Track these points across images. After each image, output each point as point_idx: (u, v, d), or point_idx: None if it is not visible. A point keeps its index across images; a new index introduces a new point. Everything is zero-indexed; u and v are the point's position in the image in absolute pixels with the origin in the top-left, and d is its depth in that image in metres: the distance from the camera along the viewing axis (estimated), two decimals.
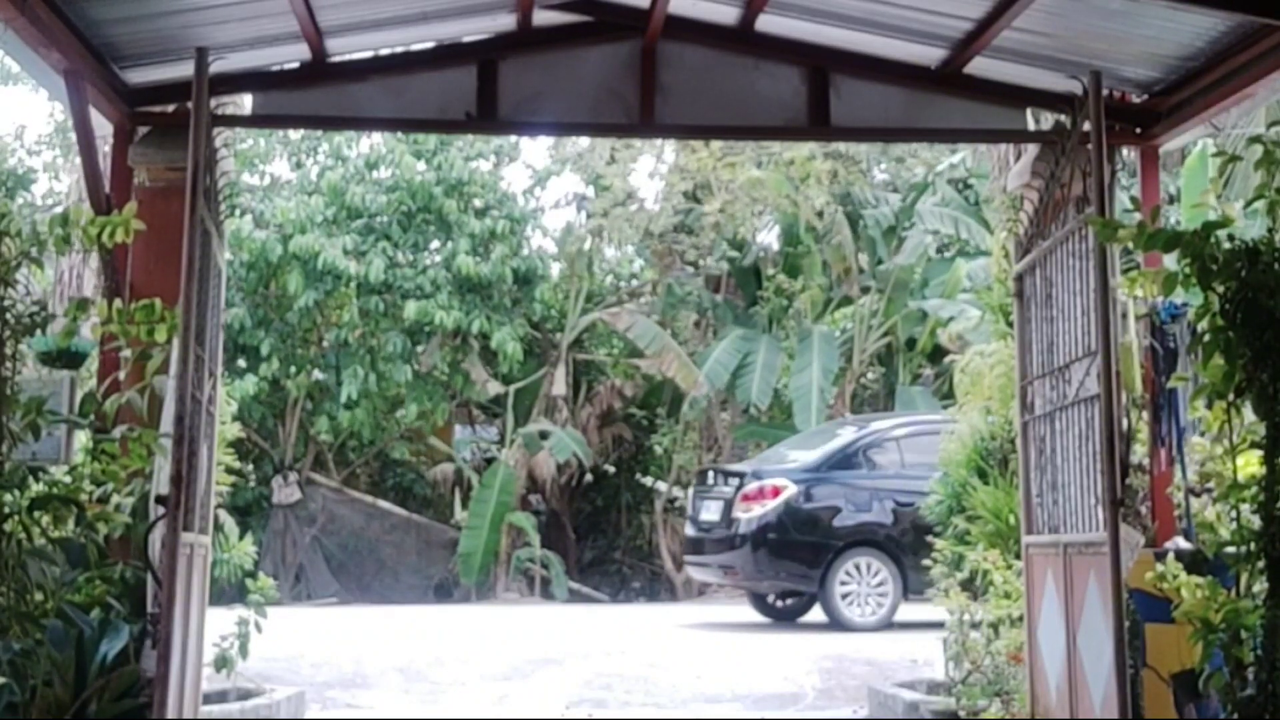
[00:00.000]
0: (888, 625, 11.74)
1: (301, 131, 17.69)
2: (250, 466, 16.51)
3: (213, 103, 5.96)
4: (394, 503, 17.83)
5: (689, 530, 13.14)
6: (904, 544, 11.84)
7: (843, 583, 11.83)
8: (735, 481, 12.46)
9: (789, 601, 12.82)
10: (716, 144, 17.45)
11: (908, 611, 11.86)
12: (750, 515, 12.03)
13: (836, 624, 11.76)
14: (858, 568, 11.91)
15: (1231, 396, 4.60)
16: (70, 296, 10.00)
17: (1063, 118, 6.46)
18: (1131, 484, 6.71)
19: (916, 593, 11.72)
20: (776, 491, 12.06)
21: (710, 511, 12.56)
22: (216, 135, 6.15)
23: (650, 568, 18.92)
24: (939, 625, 7.73)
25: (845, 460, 12.54)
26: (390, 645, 10.65)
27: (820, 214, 18.15)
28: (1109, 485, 5.36)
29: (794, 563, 12.05)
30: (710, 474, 13.50)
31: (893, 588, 11.91)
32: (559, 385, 18.62)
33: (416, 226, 17.58)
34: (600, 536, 19.54)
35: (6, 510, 4.82)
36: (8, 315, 5.04)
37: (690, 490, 13.85)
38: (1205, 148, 9.12)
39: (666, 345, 18.25)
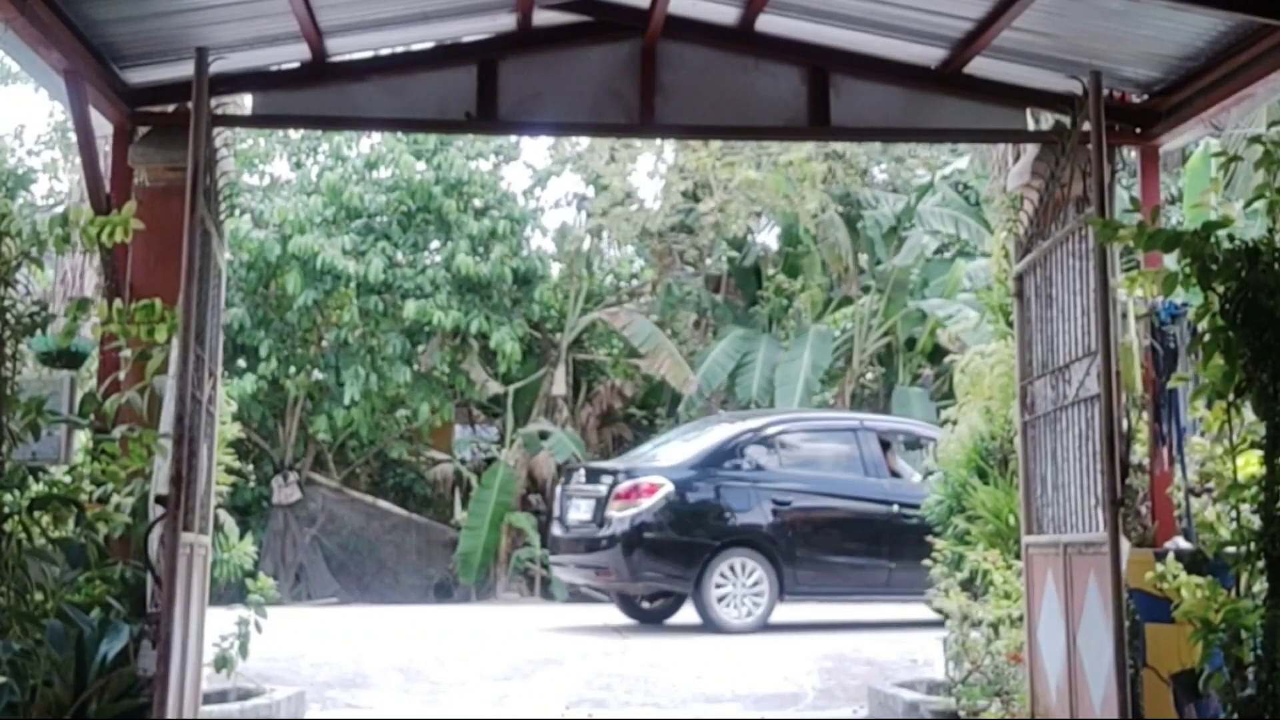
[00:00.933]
0: (763, 627, 11.50)
1: (301, 131, 17.69)
2: (250, 466, 16.51)
3: (213, 103, 5.96)
4: (394, 503, 17.83)
5: (555, 530, 12.67)
6: (782, 544, 11.68)
7: (718, 584, 11.55)
8: (608, 480, 12.02)
9: (657, 603, 12.46)
10: (716, 144, 17.46)
11: (900, 612, 11.84)
12: (624, 514, 11.64)
13: (710, 626, 11.47)
14: (733, 569, 11.63)
15: (1231, 396, 4.60)
16: (70, 296, 10.02)
17: (1063, 118, 6.46)
18: (1131, 484, 6.71)
19: (793, 594, 11.73)
20: (652, 490, 11.69)
21: (580, 511, 12.12)
22: (216, 135, 6.15)
23: None
24: (926, 625, 7.71)
25: (723, 458, 12.16)
26: (390, 645, 10.65)
27: (815, 216, 18.14)
28: (1109, 485, 5.36)
29: (669, 563, 11.73)
30: (580, 472, 12.98)
31: (769, 589, 11.64)
32: (559, 385, 18.63)
33: (416, 226, 17.58)
34: None
35: (6, 510, 4.82)
36: (8, 315, 5.04)
37: (558, 489, 13.33)
38: (1207, 147, 9.11)
39: (660, 344, 18.27)
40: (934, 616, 8.27)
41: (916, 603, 12.35)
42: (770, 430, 12.62)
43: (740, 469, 12.09)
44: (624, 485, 11.79)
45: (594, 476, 12.41)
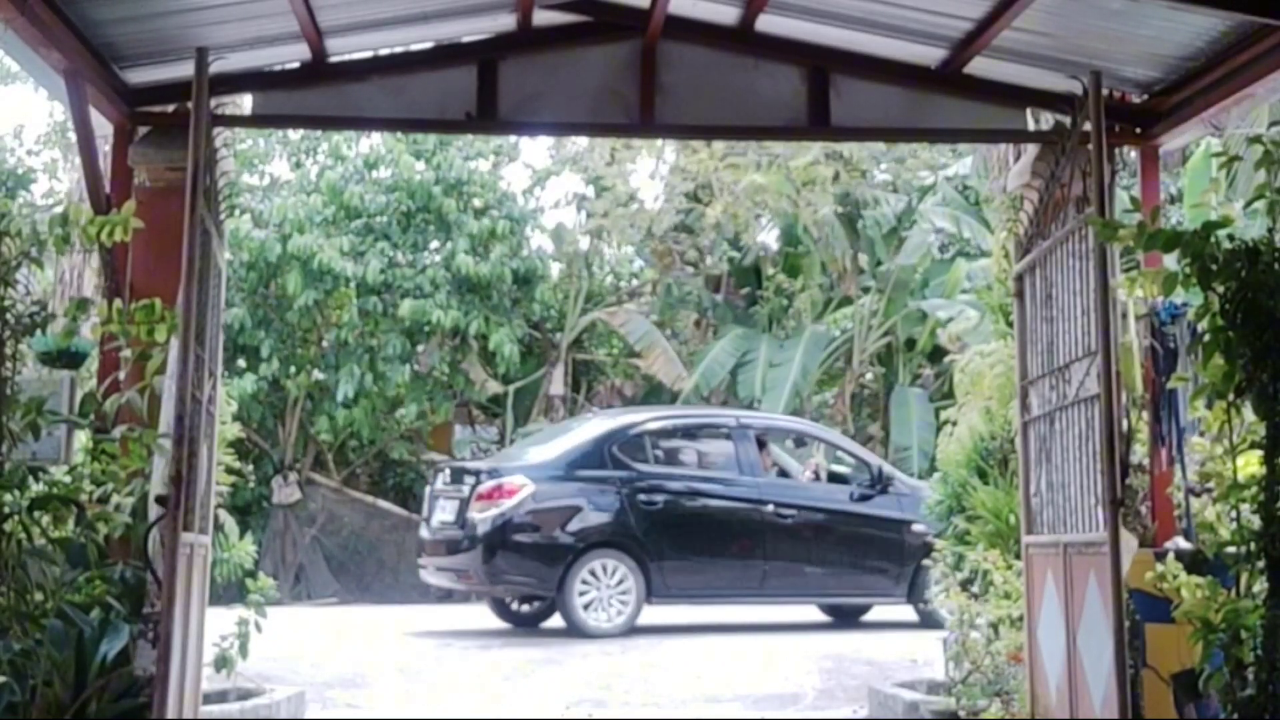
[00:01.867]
0: (630, 630, 11.21)
1: (301, 131, 17.70)
2: (250, 466, 16.50)
3: (213, 103, 5.95)
4: (394, 503, 17.82)
5: (423, 532, 12.26)
6: (649, 546, 11.39)
7: (582, 587, 11.19)
8: (471, 480, 11.58)
9: (532, 606, 12.11)
10: (718, 146, 17.47)
11: (886, 613, 11.87)
12: (485, 516, 11.19)
13: (575, 630, 11.15)
14: (597, 571, 11.27)
15: (1231, 396, 4.60)
16: (70, 296, 9.99)
17: (1063, 118, 6.46)
18: (1131, 484, 6.71)
19: (661, 596, 11.47)
20: (513, 491, 11.25)
21: (445, 512, 11.72)
22: (216, 135, 6.15)
23: None
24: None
25: (589, 457, 11.72)
26: (390, 645, 10.65)
27: (817, 217, 18.15)
28: (1109, 485, 5.35)
29: (530, 566, 11.30)
30: (446, 471, 12.52)
31: (635, 592, 11.30)
32: (558, 385, 18.64)
33: (416, 226, 17.58)
34: None
35: (6, 510, 4.83)
36: (8, 315, 5.04)
37: (427, 489, 12.90)
38: (1208, 147, 9.12)
39: (654, 342, 18.29)
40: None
41: (792, 605, 12.27)
42: (641, 429, 12.25)
43: (607, 468, 11.65)
44: (486, 485, 11.35)
45: (458, 476, 11.95)
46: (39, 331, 5.24)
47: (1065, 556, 6.02)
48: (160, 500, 5.42)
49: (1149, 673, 5.71)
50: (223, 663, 7.10)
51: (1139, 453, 6.82)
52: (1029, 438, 6.77)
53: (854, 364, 18.92)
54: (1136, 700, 5.49)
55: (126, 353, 5.89)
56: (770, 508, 11.81)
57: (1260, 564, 4.48)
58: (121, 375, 6.25)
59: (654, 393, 19.67)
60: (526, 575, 11.38)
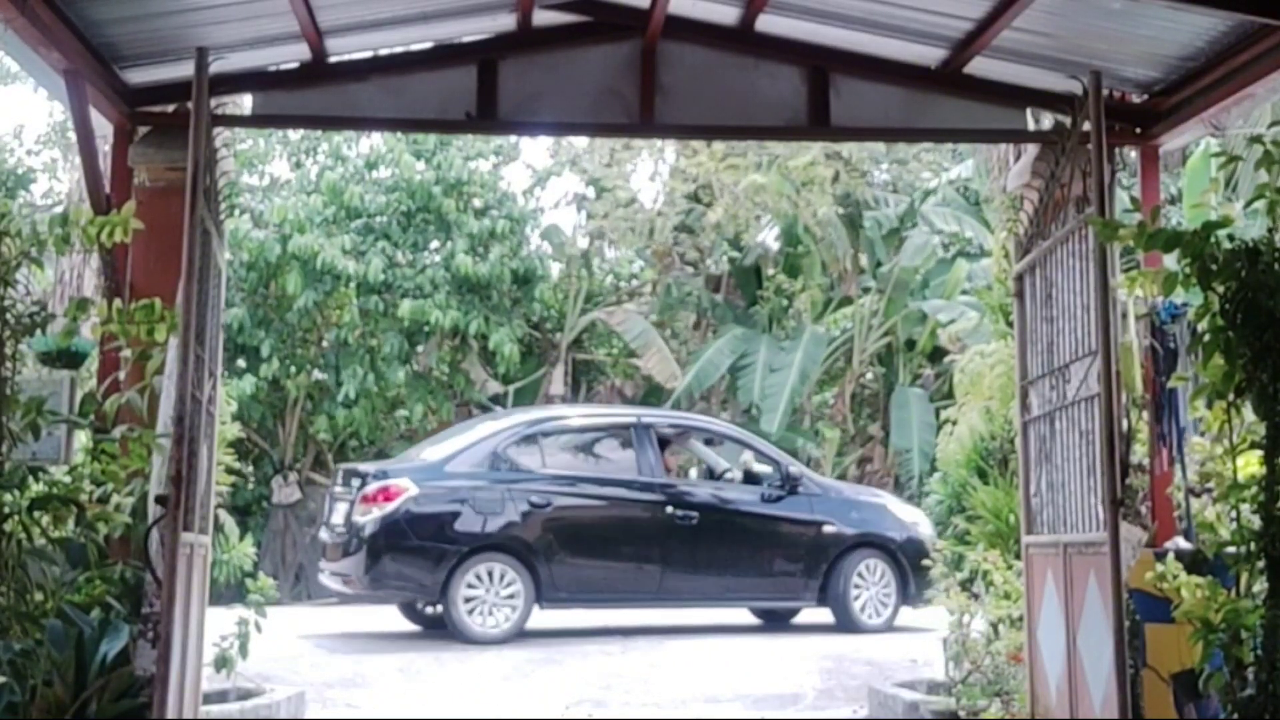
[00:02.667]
0: (518, 634, 10.84)
1: (301, 131, 17.70)
2: (250, 466, 16.51)
3: (213, 103, 5.95)
4: None
5: (321, 534, 11.82)
6: (539, 548, 11.02)
7: (468, 592, 10.80)
8: (358, 481, 11.22)
9: (435, 608, 11.51)
10: (717, 146, 17.47)
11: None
12: (368, 519, 10.82)
13: (460, 635, 10.72)
14: (483, 576, 10.84)
15: (1231, 396, 4.60)
16: (70, 296, 10.00)
17: (1063, 118, 6.46)
18: (1131, 484, 6.71)
19: (552, 601, 11.06)
20: (395, 493, 10.87)
21: (338, 514, 11.31)
22: (216, 135, 6.15)
23: None
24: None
25: (478, 459, 11.36)
26: (390, 645, 10.65)
27: (817, 216, 18.16)
28: (1109, 485, 5.35)
29: (412, 571, 10.86)
30: (340, 473, 12.13)
31: (524, 596, 10.91)
32: (558, 385, 18.65)
33: (416, 226, 17.58)
34: None
35: (6, 510, 4.83)
36: (8, 315, 5.04)
37: (327, 491, 12.59)
38: (1208, 147, 9.12)
39: (650, 341, 18.29)
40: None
41: (690, 609, 11.82)
42: (534, 428, 11.89)
43: (497, 469, 11.30)
44: (370, 488, 11.02)
45: (349, 478, 11.55)
46: (39, 331, 5.24)
47: (1065, 556, 6.02)
48: (160, 500, 5.42)
49: (1149, 673, 5.71)
50: (223, 663, 7.10)
51: (1139, 453, 6.82)
52: (1029, 438, 6.77)
53: (854, 364, 18.92)
54: (1136, 700, 5.49)
55: (126, 353, 5.90)
56: (670, 509, 11.43)
57: (1260, 564, 4.48)
58: (121, 375, 6.25)
59: (653, 392, 19.67)
60: (408, 580, 10.99)
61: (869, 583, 11.67)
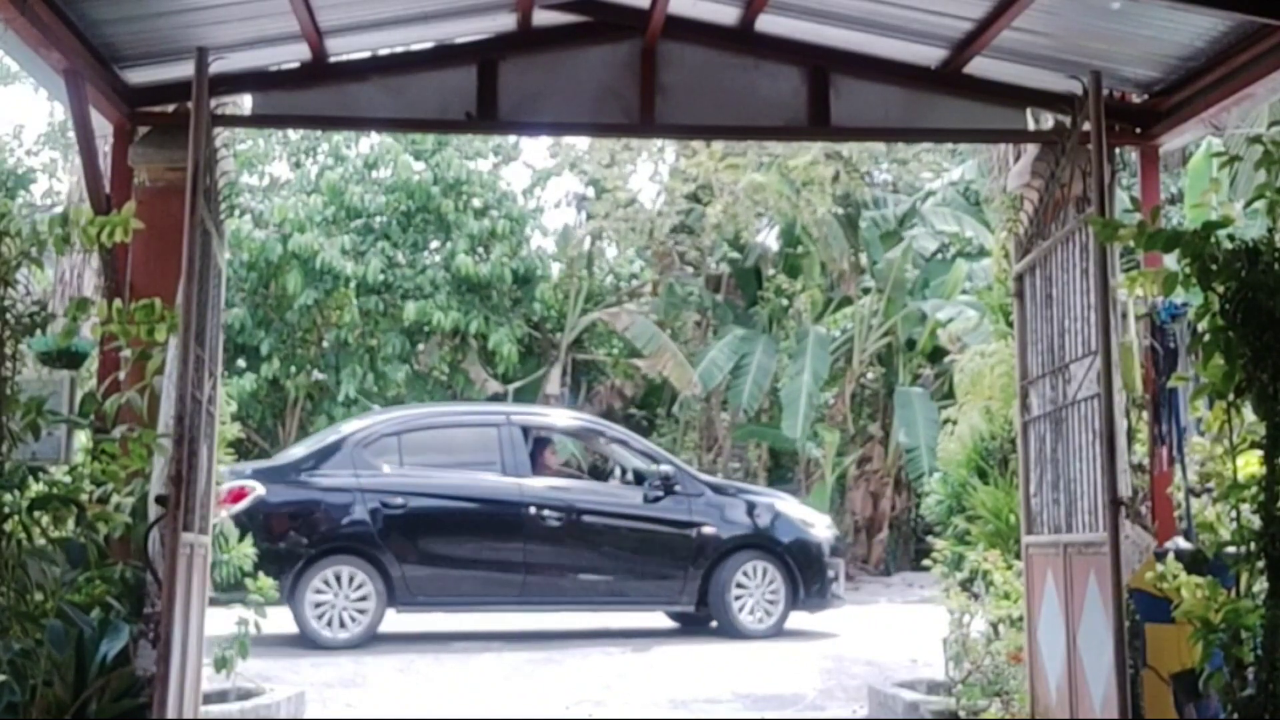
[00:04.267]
0: (370, 639, 10.60)
1: (301, 131, 17.71)
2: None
3: (213, 103, 5.96)
4: None
5: None
6: (392, 550, 10.76)
7: (316, 595, 10.51)
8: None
9: None
10: (717, 146, 17.47)
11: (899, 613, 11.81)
12: (218, 520, 10.74)
13: (307, 640, 10.43)
14: (330, 579, 10.55)
15: (1231, 396, 4.60)
16: (70, 296, 9.99)
17: (1063, 118, 6.47)
18: (1132, 484, 6.70)
19: (407, 604, 10.86)
20: (242, 494, 10.48)
21: None
22: (216, 135, 6.15)
23: None
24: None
25: (331, 459, 11.08)
26: (390, 645, 10.65)
27: (816, 215, 18.15)
28: (1109, 485, 5.36)
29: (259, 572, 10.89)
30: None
31: (375, 599, 10.65)
32: (557, 385, 18.65)
33: (415, 226, 17.59)
34: None
35: (6, 510, 4.82)
36: (8, 315, 5.04)
37: None
38: (1209, 147, 9.12)
39: (663, 345, 18.25)
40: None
41: (555, 613, 11.50)
42: (394, 427, 11.62)
43: (350, 469, 11.00)
44: (224, 489, 10.51)
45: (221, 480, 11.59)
46: (39, 331, 5.23)
47: (1065, 556, 6.02)
48: (160, 500, 5.43)
49: (1149, 673, 5.71)
50: (223, 663, 7.10)
51: (1139, 453, 6.82)
52: (1029, 438, 6.77)
53: (854, 364, 18.93)
54: (1136, 700, 5.49)
55: (126, 353, 5.89)
56: (532, 510, 11.13)
57: (1260, 564, 4.48)
58: (121, 375, 6.24)
59: (653, 393, 19.68)
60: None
61: (753, 586, 11.37)
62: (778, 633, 11.30)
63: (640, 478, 11.87)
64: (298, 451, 11.72)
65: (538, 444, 12.01)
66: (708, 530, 11.40)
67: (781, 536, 11.56)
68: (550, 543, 11.15)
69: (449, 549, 11.07)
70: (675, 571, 11.36)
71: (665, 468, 11.73)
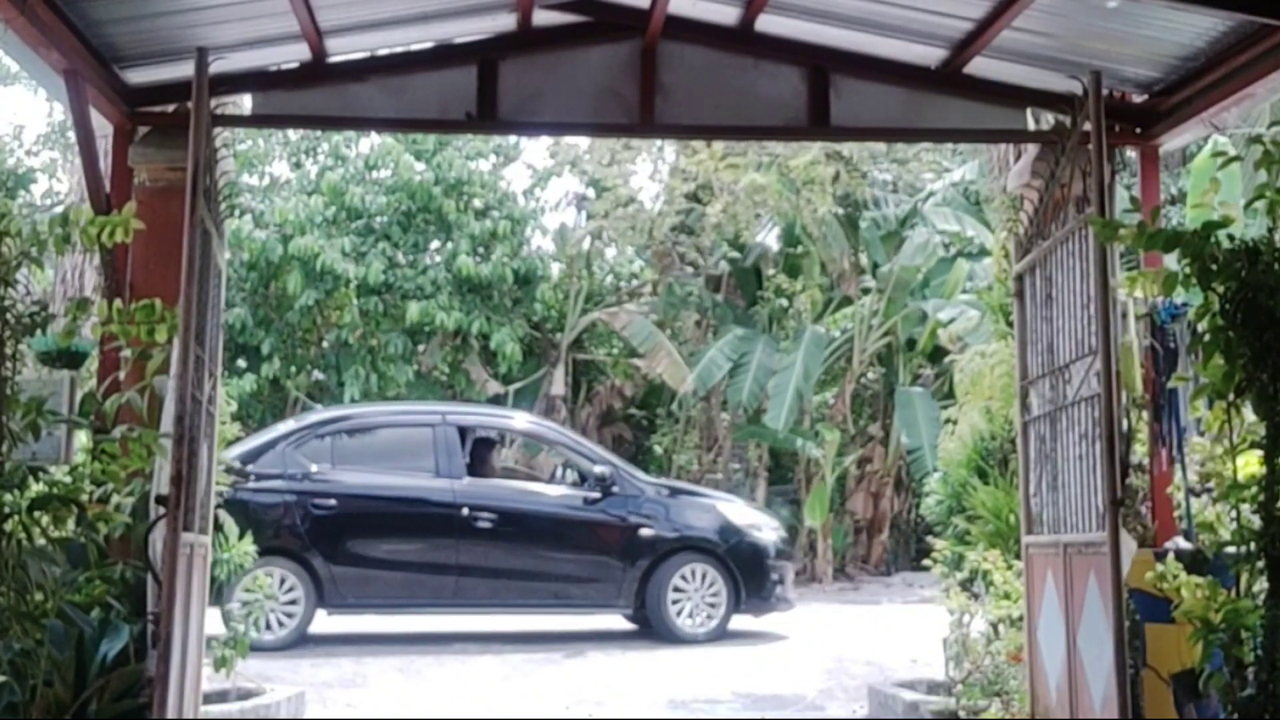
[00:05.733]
0: (300, 641, 10.47)
1: (301, 131, 17.71)
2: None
3: (213, 103, 5.96)
4: None
5: None
6: (322, 551, 10.62)
7: (244, 595, 10.02)
8: None
9: None
10: (717, 146, 17.47)
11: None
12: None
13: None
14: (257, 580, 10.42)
15: (1231, 396, 4.60)
16: (70, 296, 10.01)
17: (1063, 118, 6.47)
18: (1132, 484, 6.71)
19: (336, 605, 10.72)
20: None
21: None
22: (216, 135, 6.15)
23: None
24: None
25: (261, 459, 10.92)
26: (390, 645, 10.65)
27: (816, 214, 18.14)
28: (1109, 485, 5.35)
29: None
30: None
31: (304, 600, 10.54)
32: (558, 385, 18.65)
33: (416, 227, 17.60)
34: None
35: (6, 510, 4.82)
36: (8, 315, 5.04)
37: None
38: (1214, 147, 9.12)
39: (659, 344, 18.26)
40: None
41: (493, 615, 11.37)
42: (326, 428, 11.54)
43: (282, 469, 10.87)
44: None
45: None
46: (39, 331, 5.23)
47: (1065, 556, 6.02)
48: (160, 500, 5.43)
49: (1149, 673, 5.71)
50: (223, 663, 7.11)
51: (1139, 453, 6.82)
52: (1029, 438, 6.77)
53: (854, 364, 18.92)
54: (1136, 700, 5.49)
55: (126, 353, 5.89)
56: (465, 511, 11.01)
57: (1260, 564, 4.48)
58: (121, 375, 6.24)
59: (653, 393, 19.67)
60: None
61: (691, 589, 11.23)
62: (719, 637, 11.13)
63: (584, 479, 11.72)
64: (231, 451, 11.69)
65: (479, 444, 11.87)
66: (645, 532, 11.23)
67: (722, 539, 11.38)
68: (483, 544, 11.05)
69: (379, 550, 10.99)
70: (612, 574, 11.21)
71: (601, 469, 11.55)
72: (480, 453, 11.89)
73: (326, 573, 10.66)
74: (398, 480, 11.26)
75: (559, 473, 12.42)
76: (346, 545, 10.83)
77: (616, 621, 11.90)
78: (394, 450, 11.58)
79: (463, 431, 11.64)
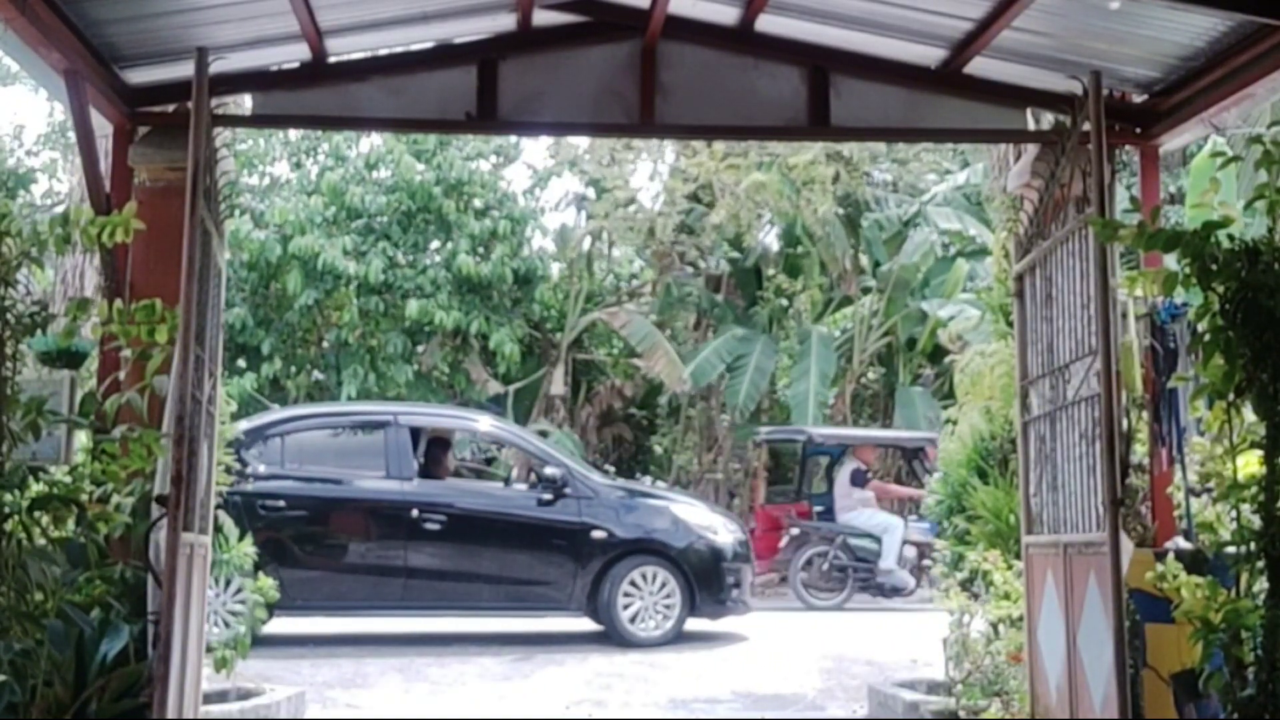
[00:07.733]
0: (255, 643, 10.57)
1: (301, 131, 17.72)
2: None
3: (213, 103, 5.96)
4: None
5: None
6: (266, 553, 9.91)
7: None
8: None
9: None
10: (718, 146, 17.49)
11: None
12: None
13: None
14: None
15: (1231, 396, 4.60)
16: (70, 296, 10.00)
17: (1063, 118, 6.47)
18: (1131, 484, 6.70)
19: (286, 608, 10.01)
20: None
21: None
22: (216, 135, 6.15)
23: None
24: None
25: None
26: (390, 645, 10.65)
27: (817, 213, 18.15)
28: (1109, 485, 5.35)
29: None
30: None
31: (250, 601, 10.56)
32: (558, 385, 18.66)
33: (416, 227, 17.61)
34: None
35: (6, 510, 4.82)
36: (8, 315, 5.04)
37: None
38: (1214, 146, 9.12)
39: (657, 343, 18.27)
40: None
41: (449, 617, 11.16)
42: (276, 428, 11.33)
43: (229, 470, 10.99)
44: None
45: None
46: (39, 331, 5.23)
47: (1065, 556, 6.02)
48: (160, 500, 5.42)
49: (1149, 673, 5.71)
50: (223, 663, 7.10)
51: (1139, 453, 6.82)
52: (1029, 438, 6.77)
53: (854, 364, 18.93)
54: (1136, 700, 5.49)
55: (126, 353, 5.89)
56: (415, 513, 10.85)
57: (1260, 564, 4.48)
58: (121, 375, 6.25)
59: (654, 393, 19.67)
60: None
61: (644, 592, 11.04)
62: (674, 639, 10.98)
63: (541, 479, 11.54)
64: None
65: (433, 445, 11.74)
66: (597, 534, 11.06)
67: (676, 541, 11.19)
68: (433, 546, 10.94)
69: (327, 552, 10.88)
70: (563, 576, 11.02)
71: (554, 470, 11.38)
72: (434, 454, 11.75)
73: (272, 575, 10.53)
74: (346, 481, 11.15)
75: (516, 474, 12.24)
76: (292, 547, 10.70)
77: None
78: (345, 451, 11.47)
79: (415, 432, 11.51)
